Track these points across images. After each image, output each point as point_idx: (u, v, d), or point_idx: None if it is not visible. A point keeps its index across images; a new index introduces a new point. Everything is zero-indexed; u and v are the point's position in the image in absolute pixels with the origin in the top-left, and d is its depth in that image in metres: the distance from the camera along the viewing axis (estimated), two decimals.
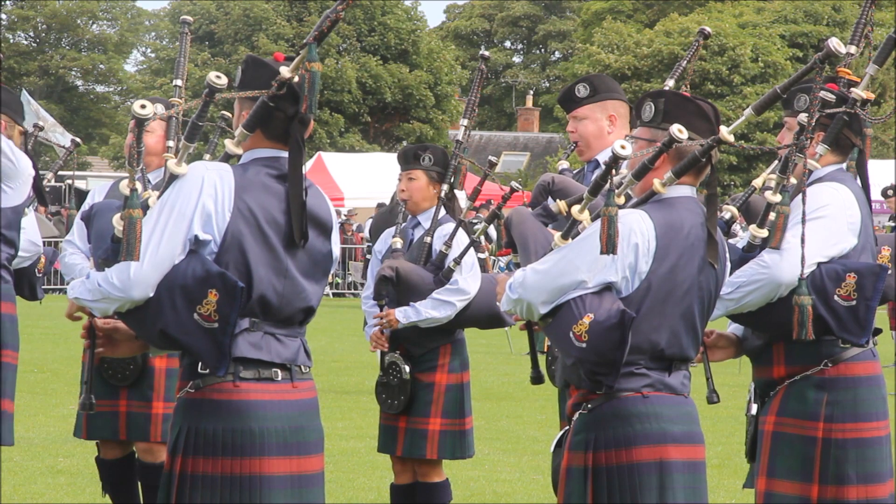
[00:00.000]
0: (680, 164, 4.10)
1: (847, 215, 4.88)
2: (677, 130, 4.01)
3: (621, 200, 4.07)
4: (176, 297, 3.88)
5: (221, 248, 3.94)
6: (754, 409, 5.04)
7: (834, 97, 4.89)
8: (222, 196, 3.95)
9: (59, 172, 7.86)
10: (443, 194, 6.63)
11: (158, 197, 4.03)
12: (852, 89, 4.93)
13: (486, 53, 6.56)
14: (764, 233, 4.86)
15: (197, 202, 3.92)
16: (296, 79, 3.95)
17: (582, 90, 5.70)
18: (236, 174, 3.99)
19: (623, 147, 3.90)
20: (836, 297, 4.81)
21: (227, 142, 4.07)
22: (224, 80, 3.97)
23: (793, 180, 4.85)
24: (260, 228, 3.98)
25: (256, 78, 4.05)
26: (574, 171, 5.78)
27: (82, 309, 4.09)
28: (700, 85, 40.53)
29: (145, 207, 4.00)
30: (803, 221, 4.62)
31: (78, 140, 7.15)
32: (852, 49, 4.90)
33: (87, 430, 6.52)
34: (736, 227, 5.53)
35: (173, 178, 3.99)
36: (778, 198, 4.86)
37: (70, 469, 9.02)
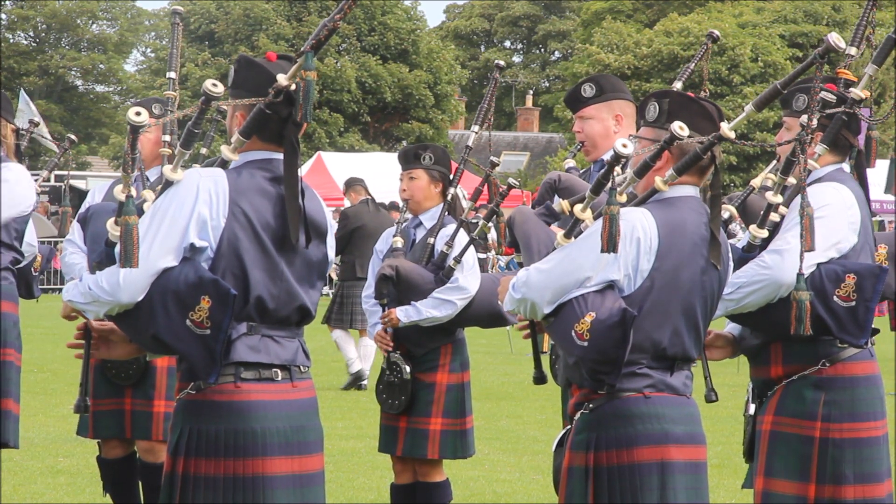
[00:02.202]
0: (681, 161, 4.10)
1: (848, 215, 4.89)
2: (678, 128, 4.02)
3: (623, 199, 4.07)
4: (169, 302, 3.88)
5: (217, 253, 3.94)
6: (752, 409, 5.05)
7: (834, 97, 4.89)
8: (217, 202, 3.94)
9: (58, 172, 7.87)
10: (449, 197, 6.64)
11: (154, 201, 4.03)
12: (851, 89, 4.93)
13: (502, 63, 6.55)
14: (764, 233, 4.87)
15: (192, 210, 3.92)
16: (292, 87, 3.95)
17: (588, 90, 5.70)
18: (230, 178, 3.99)
19: (624, 146, 3.91)
20: (835, 298, 4.81)
21: (224, 147, 4.06)
22: (220, 89, 3.97)
23: (792, 179, 4.85)
24: (255, 232, 3.97)
25: (249, 79, 4.05)
26: (581, 171, 5.79)
27: (77, 311, 4.09)
28: (699, 84, 40.51)
29: (141, 209, 4.00)
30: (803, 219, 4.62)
31: (73, 137, 7.14)
32: (852, 51, 4.90)
33: (93, 429, 6.52)
34: (735, 228, 5.54)
35: (168, 183, 3.99)
36: (779, 198, 4.86)
37: (70, 469, 9.02)
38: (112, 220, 4.01)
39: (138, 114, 3.80)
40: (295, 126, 4.01)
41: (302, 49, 3.85)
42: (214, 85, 3.96)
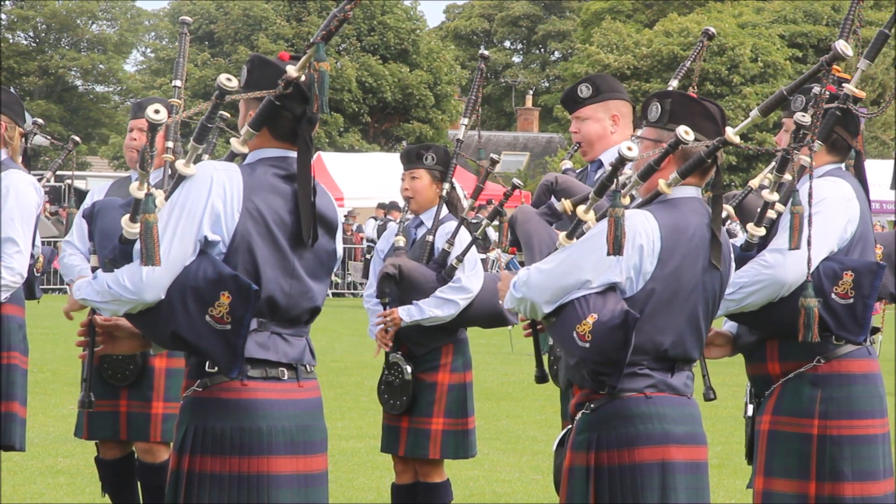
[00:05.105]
0: (685, 164, 4.10)
1: (847, 207, 4.89)
2: (683, 132, 4.01)
3: (626, 201, 4.07)
4: (188, 299, 3.86)
5: (230, 248, 3.93)
6: (750, 410, 5.05)
7: (828, 95, 4.89)
8: (231, 196, 3.93)
9: (59, 172, 7.87)
10: (444, 193, 6.64)
11: (167, 198, 4.01)
12: (844, 85, 4.93)
13: (486, 53, 6.57)
14: (761, 231, 4.86)
15: (206, 202, 3.90)
16: (302, 78, 3.94)
17: (584, 90, 5.70)
18: (244, 174, 3.97)
19: (629, 149, 3.90)
20: (833, 296, 4.82)
21: (233, 140, 4.05)
22: (234, 83, 3.94)
23: (788, 176, 4.85)
24: (268, 229, 3.96)
25: (263, 77, 4.02)
26: (577, 171, 5.78)
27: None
28: (700, 85, 40.52)
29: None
30: (809, 224, 4.60)
31: (77, 139, 7.14)
32: (840, 44, 4.89)
33: (87, 431, 6.51)
34: (735, 227, 5.55)
35: (181, 178, 3.97)
36: (775, 196, 4.86)
37: (70, 469, 9.02)
38: (127, 217, 3.99)
39: (157, 112, 3.78)
40: (309, 124, 4.01)
41: (312, 40, 3.84)
42: (228, 79, 3.93)
